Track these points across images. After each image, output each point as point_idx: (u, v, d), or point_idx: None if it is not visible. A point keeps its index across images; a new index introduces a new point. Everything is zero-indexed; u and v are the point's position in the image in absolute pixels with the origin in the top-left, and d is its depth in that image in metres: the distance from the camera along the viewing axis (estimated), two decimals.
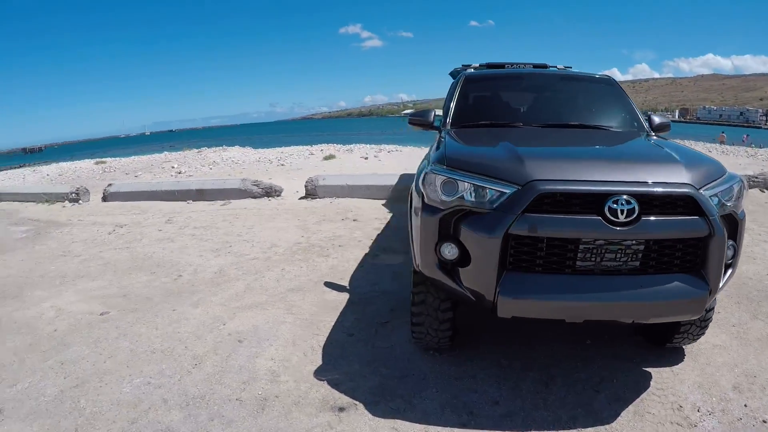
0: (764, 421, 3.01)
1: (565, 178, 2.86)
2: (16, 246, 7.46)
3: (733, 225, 3.08)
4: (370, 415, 3.10)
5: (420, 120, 4.67)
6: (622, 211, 2.72)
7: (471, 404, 3.19)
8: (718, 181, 3.05)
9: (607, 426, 2.98)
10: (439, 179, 3.04)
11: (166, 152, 25.65)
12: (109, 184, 11.35)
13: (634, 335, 3.97)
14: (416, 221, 3.22)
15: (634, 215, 2.74)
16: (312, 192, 9.84)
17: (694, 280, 2.89)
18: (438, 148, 3.63)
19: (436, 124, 4.64)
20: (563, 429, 2.98)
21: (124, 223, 8.53)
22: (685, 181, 2.89)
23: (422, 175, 3.19)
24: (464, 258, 2.99)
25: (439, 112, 4.94)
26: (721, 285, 3.00)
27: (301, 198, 9.97)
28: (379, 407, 3.17)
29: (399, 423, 3.03)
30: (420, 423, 3.02)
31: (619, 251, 2.83)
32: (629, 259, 2.86)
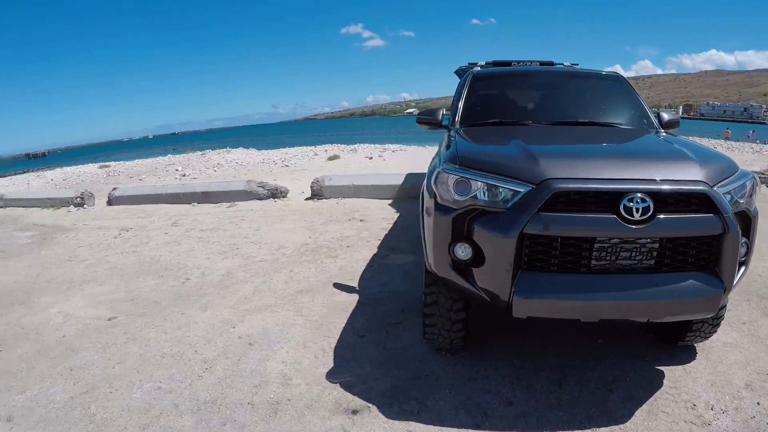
0: None
1: (580, 177, 2.82)
2: (22, 251, 7.44)
3: (746, 222, 3.04)
4: (384, 418, 3.06)
5: (428, 119, 4.64)
6: (637, 210, 2.69)
7: (485, 405, 3.16)
8: (731, 178, 3.01)
9: (621, 425, 2.95)
10: (452, 179, 3.01)
11: (169, 155, 25.69)
12: (114, 188, 11.34)
13: (645, 334, 3.94)
14: (428, 221, 3.18)
15: (649, 213, 2.70)
16: (318, 192, 9.81)
17: (708, 278, 2.86)
18: (449, 147, 3.60)
19: (444, 122, 4.61)
20: (578, 429, 2.95)
21: (129, 227, 8.51)
22: (700, 179, 2.86)
23: (434, 175, 3.16)
24: (478, 258, 2.95)
25: (447, 111, 4.91)
26: (734, 283, 2.97)
27: (307, 199, 9.94)
28: (392, 409, 3.14)
29: (413, 425, 3.00)
30: (434, 425, 2.99)
31: (634, 250, 2.80)
32: (644, 258, 2.83)
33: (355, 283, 5.22)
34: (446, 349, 3.73)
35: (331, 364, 3.67)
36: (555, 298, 2.86)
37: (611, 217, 2.71)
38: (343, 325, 4.27)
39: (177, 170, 17.21)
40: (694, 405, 3.11)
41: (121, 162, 23.35)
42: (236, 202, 9.89)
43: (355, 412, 3.12)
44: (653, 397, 3.20)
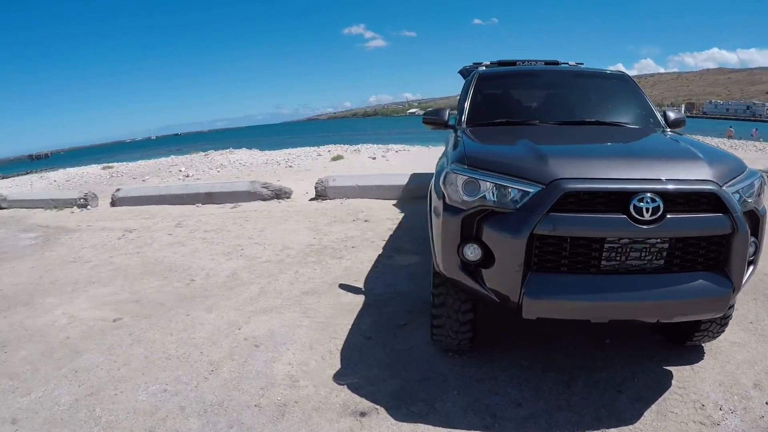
0: None
1: (590, 177, 2.81)
2: (26, 253, 7.44)
3: (755, 221, 3.03)
4: (392, 420, 3.04)
5: (435, 119, 4.64)
6: (647, 209, 2.68)
7: (493, 406, 3.13)
8: (739, 177, 3.00)
9: (630, 426, 2.94)
10: (461, 179, 2.99)
11: (172, 156, 25.71)
12: (118, 189, 11.34)
13: (653, 334, 3.93)
14: (437, 222, 3.16)
15: (659, 213, 2.69)
16: (322, 193, 9.80)
17: (717, 278, 2.85)
18: (456, 147, 3.57)
19: (450, 122, 4.59)
20: (587, 430, 2.92)
21: (133, 228, 8.50)
22: (709, 178, 2.85)
23: (443, 175, 3.14)
24: (487, 259, 2.93)
25: (453, 110, 4.89)
26: (743, 282, 2.97)
27: (311, 199, 9.93)
28: (400, 411, 3.11)
29: (422, 427, 2.97)
30: (443, 427, 2.97)
31: (644, 250, 2.79)
32: (654, 258, 2.81)
33: (360, 284, 5.19)
34: (454, 350, 3.71)
35: (338, 366, 3.64)
36: (565, 298, 2.84)
37: (621, 217, 2.70)
38: (350, 326, 4.24)
39: (180, 171, 17.23)
40: (703, 405, 3.09)
41: (124, 163, 23.41)
42: (240, 203, 9.88)
43: (363, 414, 3.10)
44: (662, 397, 3.18)
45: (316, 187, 9.95)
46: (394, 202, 9.20)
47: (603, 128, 4.33)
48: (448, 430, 2.94)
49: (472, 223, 2.96)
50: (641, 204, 2.68)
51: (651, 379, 3.37)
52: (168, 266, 6.19)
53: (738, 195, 2.89)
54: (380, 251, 6.27)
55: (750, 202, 2.96)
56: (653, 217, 2.68)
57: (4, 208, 11.60)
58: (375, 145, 22.35)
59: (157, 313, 4.73)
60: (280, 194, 10.09)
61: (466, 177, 2.98)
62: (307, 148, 22.00)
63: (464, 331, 3.47)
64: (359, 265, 5.78)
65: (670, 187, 2.75)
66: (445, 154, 4.04)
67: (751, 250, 2.99)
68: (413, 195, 9.11)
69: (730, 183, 2.90)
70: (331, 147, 21.87)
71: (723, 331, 3.59)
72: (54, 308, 5.00)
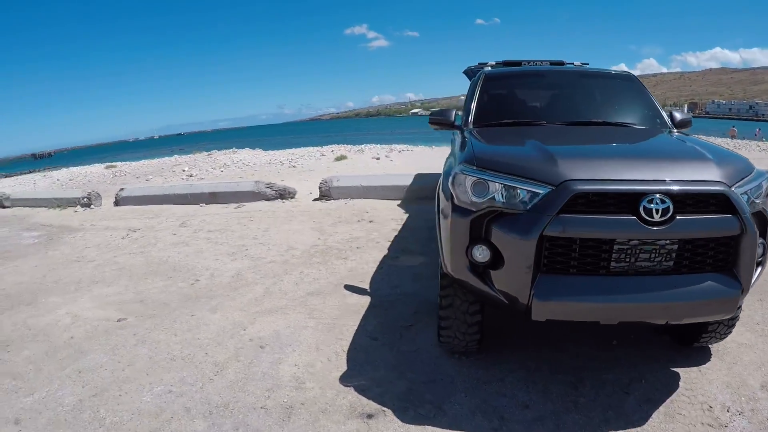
0: None
1: (600, 178, 2.79)
2: (29, 252, 7.43)
3: (763, 222, 3.00)
4: (399, 422, 3.01)
5: (441, 119, 4.61)
6: (657, 211, 2.66)
7: (501, 409, 3.11)
8: (747, 178, 2.98)
9: (638, 428, 2.93)
10: (470, 180, 2.97)
11: (176, 155, 25.69)
12: (121, 189, 11.34)
13: (660, 335, 3.91)
14: (445, 223, 3.14)
15: (669, 214, 2.67)
16: (326, 193, 9.78)
17: (726, 280, 2.84)
18: (464, 148, 3.55)
19: (457, 122, 4.57)
20: None
21: (137, 228, 8.49)
22: (718, 179, 2.84)
23: (451, 176, 3.12)
24: (496, 260, 2.91)
25: (459, 111, 4.87)
26: (752, 283, 2.95)
27: (315, 199, 9.91)
28: (408, 413, 3.09)
29: (429, 429, 2.96)
30: (451, 429, 2.95)
31: (654, 251, 2.77)
32: (663, 260, 2.79)
33: (366, 285, 5.17)
34: (461, 352, 3.68)
35: (345, 368, 3.62)
36: (575, 300, 2.82)
37: (631, 219, 2.68)
38: (356, 327, 4.22)
39: (184, 171, 17.22)
40: (711, 407, 3.08)
41: (128, 162, 23.41)
42: (244, 203, 9.86)
43: (370, 416, 3.07)
44: (669, 399, 3.16)
45: (320, 188, 9.93)
46: (399, 202, 9.18)
47: (610, 129, 4.31)
48: None
49: (480, 225, 2.93)
50: (651, 205, 2.66)
51: (658, 380, 3.36)
52: (172, 266, 6.17)
53: (746, 196, 2.88)
54: (385, 252, 6.25)
55: (758, 203, 2.95)
56: (663, 219, 2.66)
57: (8, 207, 11.62)
58: (378, 146, 22.32)
59: (162, 313, 4.71)
60: (284, 194, 10.07)
61: (475, 178, 2.96)
62: (311, 148, 21.96)
63: (472, 333, 3.45)
64: (364, 266, 5.75)
65: (680, 188, 2.74)
66: (452, 154, 4.02)
67: (760, 251, 2.97)
68: (417, 195, 9.10)
69: (738, 184, 2.88)
70: (335, 147, 21.84)
71: (730, 332, 3.57)
72: (57, 308, 4.99)
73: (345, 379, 3.46)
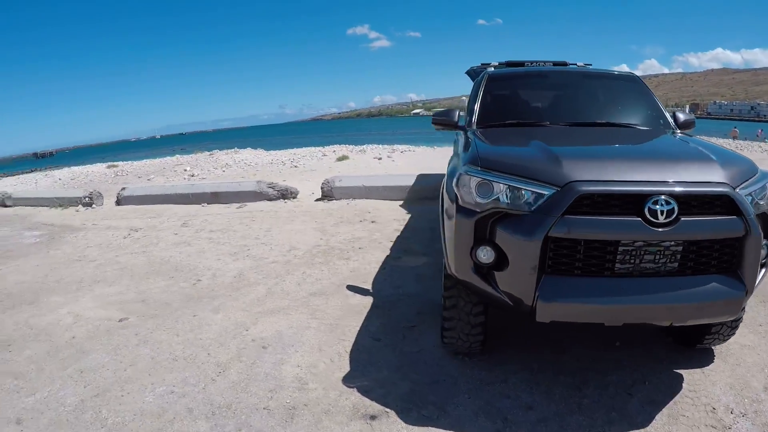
0: None
1: (605, 179, 2.79)
2: (30, 251, 7.42)
3: (767, 224, 2.99)
4: (403, 423, 3.00)
5: (444, 120, 4.60)
6: (662, 212, 2.66)
7: (505, 410, 3.10)
8: (752, 179, 2.99)
9: (642, 430, 2.92)
10: (474, 181, 2.96)
11: (177, 155, 25.70)
12: (123, 188, 11.33)
13: (663, 336, 3.90)
14: (450, 224, 3.13)
15: (674, 216, 2.67)
16: (328, 193, 9.77)
17: (730, 281, 2.83)
18: (468, 148, 3.54)
19: (460, 123, 4.56)
20: None
21: (139, 227, 8.48)
22: (722, 180, 2.84)
23: (456, 177, 3.11)
24: (501, 261, 2.90)
25: (462, 112, 4.86)
26: (756, 285, 2.94)
27: (318, 200, 9.89)
28: (411, 415, 3.08)
29: (433, 431, 2.94)
30: (455, 430, 2.94)
31: (658, 253, 2.76)
32: (668, 261, 2.78)
33: (368, 286, 5.15)
34: (464, 353, 3.67)
35: (348, 369, 3.60)
36: (579, 302, 2.81)
37: (636, 220, 2.68)
38: (358, 328, 4.21)
39: (185, 170, 17.22)
40: (714, 409, 3.07)
41: (129, 162, 23.41)
42: (246, 203, 9.85)
43: (373, 417, 3.06)
44: (673, 400, 3.16)
45: (322, 188, 9.92)
46: (401, 202, 9.16)
47: (614, 130, 4.30)
48: None
49: (485, 225, 2.93)
50: (656, 207, 2.65)
51: (662, 382, 3.35)
52: (174, 266, 6.16)
53: (751, 197, 2.87)
54: (388, 252, 6.24)
55: (762, 205, 2.95)
56: (668, 220, 2.66)
57: (9, 206, 11.61)
58: (380, 146, 22.34)
59: (164, 313, 4.70)
60: (287, 194, 10.06)
61: (479, 179, 2.95)
62: (312, 149, 21.97)
63: (475, 334, 3.44)
64: (367, 266, 5.74)
65: (685, 189, 2.73)
66: (456, 155, 4.01)
67: (764, 252, 2.97)
68: (420, 196, 9.09)
69: (743, 185, 2.88)
70: (336, 147, 21.84)
71: (733, 333, 3.57)
72: (59, 307, 4.98)
73: (348, 380, 3.45)
